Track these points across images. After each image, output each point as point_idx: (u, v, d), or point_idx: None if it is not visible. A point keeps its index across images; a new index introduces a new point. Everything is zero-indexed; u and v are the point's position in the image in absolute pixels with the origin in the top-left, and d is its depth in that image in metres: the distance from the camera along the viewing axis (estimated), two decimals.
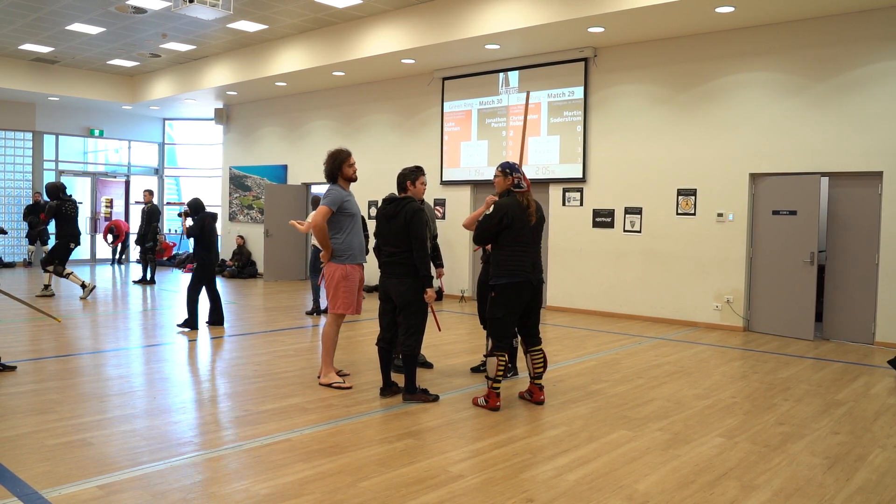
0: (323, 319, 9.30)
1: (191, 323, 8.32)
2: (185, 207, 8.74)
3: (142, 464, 3.91)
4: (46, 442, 4.24)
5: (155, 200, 13.73)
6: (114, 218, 17.61)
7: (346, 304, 5.61)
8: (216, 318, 8.63)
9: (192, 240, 8.52)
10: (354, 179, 5.73)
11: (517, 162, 5.61)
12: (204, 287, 8.49)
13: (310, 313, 9.81)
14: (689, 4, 8.11)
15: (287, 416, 4.90)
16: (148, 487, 3.59)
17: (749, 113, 8.96)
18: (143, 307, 10.47)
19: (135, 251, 18.10)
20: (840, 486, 3.85)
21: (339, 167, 5.64)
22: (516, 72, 11.22)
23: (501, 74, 11.40)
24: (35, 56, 14.43)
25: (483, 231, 5.17)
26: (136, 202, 18.07)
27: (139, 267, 16.31)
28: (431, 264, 6.70)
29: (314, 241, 9.65)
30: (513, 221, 5.06)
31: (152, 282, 13.26)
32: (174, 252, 17.68)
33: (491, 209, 5.20)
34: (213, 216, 8.62)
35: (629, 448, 4.39)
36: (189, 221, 8.60)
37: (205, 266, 8.42)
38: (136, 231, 13.65)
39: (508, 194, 5.21)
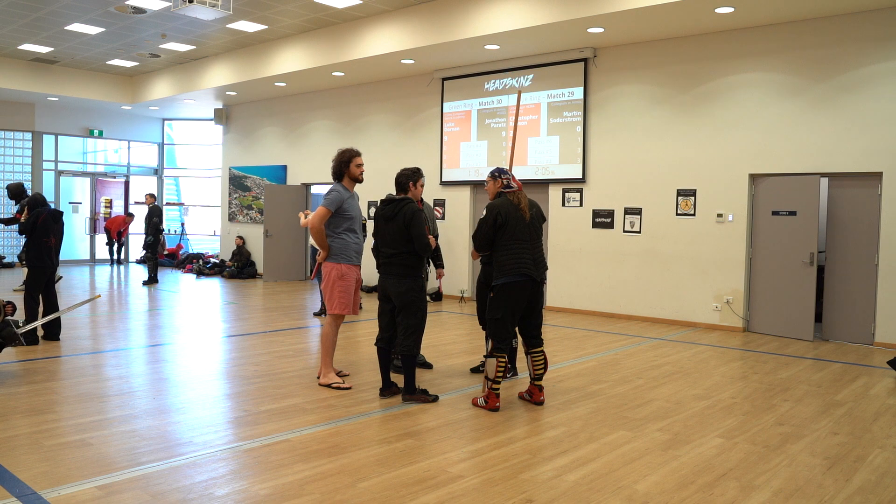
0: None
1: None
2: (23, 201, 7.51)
3: (141, 464, 3.91)
4: (45, 442, 4.24)
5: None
6: (113, 216, 17.61)
7: (342, 304, 5.60)
8: (50, 333, 7.39)
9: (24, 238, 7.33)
10: (360, 180, 5.72)
11: (507, 164, 5.65)
12: (42, 297, 7.38)
13: (318, 314, 9.80)
14: (689, 5, 8.11)
15: (286, 417, 4.90)
16: (147, 488, 3.58)
17: (749, 113, 8.96)
18: (142, 307, 10.46)
19: (134, 252, 18.18)
20: (839, 486, 3.85)
21: (346, 165, 5.64)
22: (516, 72, 11.22)
23: (501, 74, 11.40)
24: (34, 56, 14.43)
25: (481, 235, 5.18)
26: (136, 202, 18.11)
27: (139, 267, 16.33)
28: (432, 264, 6.74)
29: (312, 241, 9.67)
30: (507, 220, 5.08)
31: (154, 281, 13.27)
32: (181, 252, 17.69)
33: (484, 214, 5.23)
34: (55, 214, 7.51)
35: (629, 448, 4.39)
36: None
37: (34, 271, 7.27)
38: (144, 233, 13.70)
39: (500, 196, 5.26)
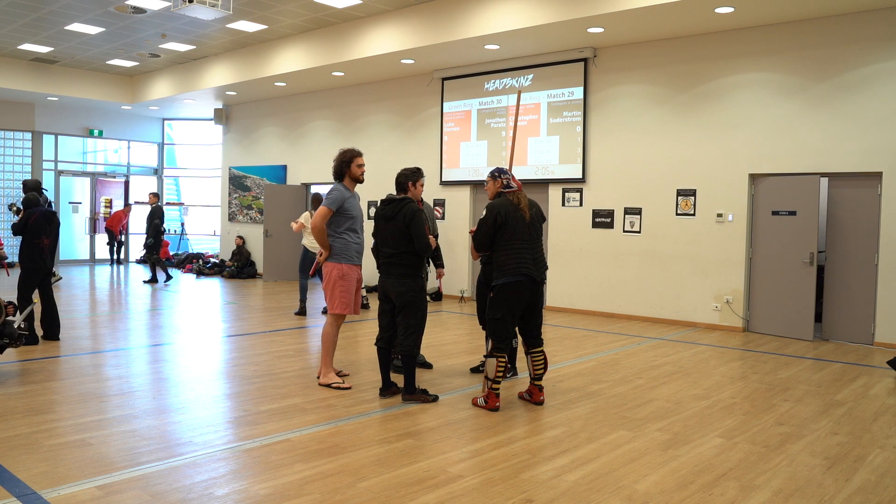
0: (306, 318, 9.31)
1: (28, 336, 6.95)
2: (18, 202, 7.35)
3: (141, 464, 3.91)
4: (45, 442, 4.24)
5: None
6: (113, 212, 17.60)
7: (343, 304, 5.60)
8: (50, 333, 7.45)
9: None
10: (361, 181, 5.72)
11: (507, 164, 5.67)
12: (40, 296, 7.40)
13: (298, 314, 9.78)
14: (689, 4, 8.11)
15: (286, 417, 4.90)
16: (147, 488, 3.58)
17: (749, 113, 8.96)
18: (142, 307, 10.45)
19: (134, 252, 18.18)
20: (839, 486, 3.85)
21: (347, 165, 5.64)
22: (516, 72, 11.22)
23: (501, 74, 11.40)
24: (34, 56, 14.43)
25: (481, 235, 5.19)
26: (136, 202, 18.13)
27: (139, 267, 16.33)
28: (431, 264, 6.75)
29: (304, 241, 9.67)
30: (507, 219, 5.09)
31: (154, 281, 13.29)
32: (172, 252, 17.67)
33: (484, 214, 5.24)
34: (47, 214, 7.41)
35: (629, 448, 4.39)
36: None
37: (26, 272, 7.23)
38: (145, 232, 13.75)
39: (500, 196, 5.26)
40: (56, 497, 3.43)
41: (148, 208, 13.63)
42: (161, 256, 13.54)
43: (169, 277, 13.24)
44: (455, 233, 11.95)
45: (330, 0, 10.33)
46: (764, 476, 3.96)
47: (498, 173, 5.34)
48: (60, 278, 13.09)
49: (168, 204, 18.77)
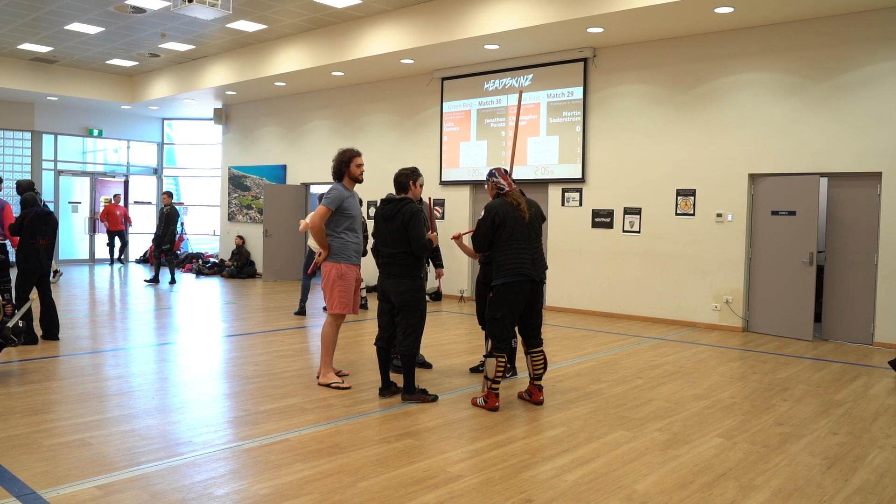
0: (306, 318, 9.31)
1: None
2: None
3: (140, 464, 3.91)
4: (45, 442, 4.24)
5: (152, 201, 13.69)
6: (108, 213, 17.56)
7: (342, 303, 5.61)
8: (49, 332, 7.48)
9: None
10: (360, 180, 5.73)
11: (507, 165, 5.68)
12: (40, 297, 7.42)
13: (297, 313, 9.79)
14: (688, 4, 8.11)
15: (286, 417, 4.90)
16: (146, 487, 3.58)
17: (748, 113, 8.96)
18: (141, 307, 10.45)
19: (134, 251, 18.16)
20: (839, 486, 3.85)
21: (346, 165, 5.65)
22: (516, 72, 11.22)
23: (500, 74, 11.40)
24: (34, 56, 14.42)
25: (480, 235, 5.20)
26: (136, 202, 18.12)
27: (138, 267, 16.32)
28: (431, 264, 6.75)
29: (309, 242, 9.67)
30: (505, 219, 5.10)
31: (156, 280, 13.31)
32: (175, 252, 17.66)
33: (482, 215, 5.25)
34: (42, 215, 7.34)
35: (628, 448, 4.39)
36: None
37: (23, 272, 7.21)
38: (154, 232, 13.74)
39: (497, 197, 5.28)
40: (55, 497, 3.43)
41: (154, 207, 13.59)
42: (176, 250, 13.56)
43: (173, 281, 13.25)
44: (455, 233, 11.92)
45: (330, 0, 10.33)
46: (763, 476, 3.97)
47: (489, 176, 5.38)
48: (61, 274, 13.18)
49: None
